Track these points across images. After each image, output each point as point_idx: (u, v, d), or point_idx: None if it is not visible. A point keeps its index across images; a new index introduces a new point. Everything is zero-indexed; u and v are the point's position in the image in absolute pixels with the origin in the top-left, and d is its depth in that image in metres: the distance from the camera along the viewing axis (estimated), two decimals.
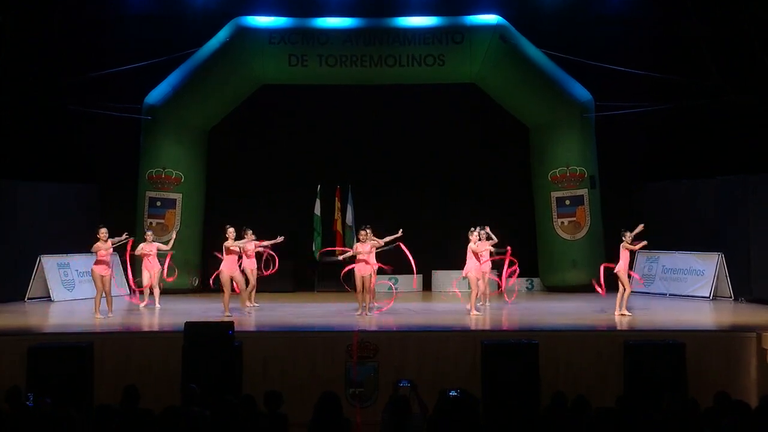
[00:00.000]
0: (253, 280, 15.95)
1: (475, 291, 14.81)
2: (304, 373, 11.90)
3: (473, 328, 13.36)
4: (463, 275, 15.20)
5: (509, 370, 11.11)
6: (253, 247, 15.99)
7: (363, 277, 14.73)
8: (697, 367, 11.65)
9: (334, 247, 18.92)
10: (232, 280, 14.86)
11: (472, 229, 15.33)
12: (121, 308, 15.76)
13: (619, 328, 13.24)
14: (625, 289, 14.39)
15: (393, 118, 20.62)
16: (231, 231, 14.94)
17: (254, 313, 15.38)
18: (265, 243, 16.21)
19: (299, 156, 20.60)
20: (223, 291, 14.81)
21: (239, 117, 20.03)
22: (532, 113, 19.68)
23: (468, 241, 15.23)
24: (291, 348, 12.09)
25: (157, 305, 15.77)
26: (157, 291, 16.09)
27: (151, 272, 16.05)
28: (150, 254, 16.01)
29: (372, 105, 20.51)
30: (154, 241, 16.33)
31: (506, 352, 11.30)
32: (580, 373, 11.81)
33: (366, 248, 14.82)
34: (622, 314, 14.22)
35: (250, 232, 15.90)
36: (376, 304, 15.76)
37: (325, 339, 12.28)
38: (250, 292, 15.97)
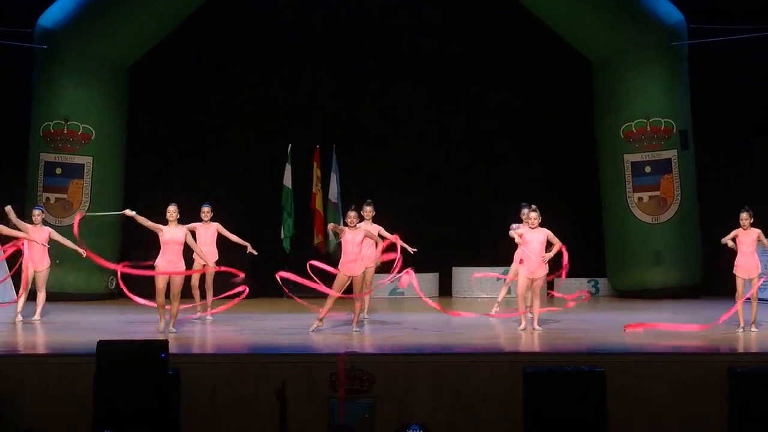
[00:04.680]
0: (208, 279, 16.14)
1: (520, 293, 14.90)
2: (269, 413, 11.94)
3: (511, 350, 13.39)
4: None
5: (563, 409, 11.14)
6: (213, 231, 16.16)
7: (351, 277, 14.75)
8: None
9: (313, 230, 19.01)
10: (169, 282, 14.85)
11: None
12: (5, 321, 15.81)
13: (722, 350, 13.28)
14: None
15: (397, 48, 20.60)
16: (172, 210, 14.89)
17: (199, 326, 15.45)
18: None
19: (261, 104, 20.59)
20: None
21: (174, 48, 20.01)
22: (597, 41, 19.69)
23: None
24: (249, 378, 12.09)
25: (37, 316, 15.83)
26: (41, 296, 16.10)
27: (36, 268, 16.02)
28: (34, 242, 15.96)
29: (367, 28, 20.49)
30: (45, 225, 16.28)
31: (559, 383, 11.30)
32: (664, 411, 11.86)
33: (357, 237, 14.82)
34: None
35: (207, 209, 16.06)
36: (366, 316, 15.83)
37: (298, 365, 12.28)
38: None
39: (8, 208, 15.44)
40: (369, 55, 20.53)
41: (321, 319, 14.57)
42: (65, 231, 17.98)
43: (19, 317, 15.69)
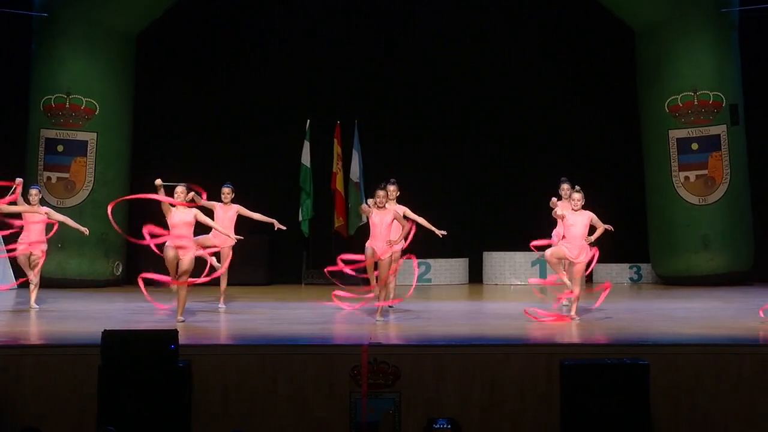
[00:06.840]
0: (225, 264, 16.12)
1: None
2: (286, 409, 11.93)
3: (548, 341, 13.35)
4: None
5: (604, 404, 11.10)
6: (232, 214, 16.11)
7: (378, 260, 14.72)
8: None
9: (333, 211, 18.98)
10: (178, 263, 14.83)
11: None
12: (5, 307, 15.85)
13: None
14: None
15: (425, 16, 20.55)
16: (180, 191, 14.85)
17: (211, 315, 15.46)
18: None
19: (277, 77, 20.57)
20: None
21: (185, 15, 19.99)
22: (640, 7, 19.59)
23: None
24: (265, 371, 12.09)
25: (33, 303, 15.84)
26: (35, 282, 16.09)
27: (33, 251, 16.01)
28: (32, 223, 15.94)
29: None
30: (42, 204, 16.27)
31: (599, 376, 11.27)
32: (712, 407, 11.79)
33: (387, 218, 14.78)
34: None
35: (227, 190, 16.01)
36: (392, 305, 15.77)
37: (318, 357, 12.27)
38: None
39: (18, 181, 15.49)
40: (394, 23, 20.47)
41: (378, 297, 14.62)
42: (66, 212, 18.03)
43: (32, 305, 15.77)
